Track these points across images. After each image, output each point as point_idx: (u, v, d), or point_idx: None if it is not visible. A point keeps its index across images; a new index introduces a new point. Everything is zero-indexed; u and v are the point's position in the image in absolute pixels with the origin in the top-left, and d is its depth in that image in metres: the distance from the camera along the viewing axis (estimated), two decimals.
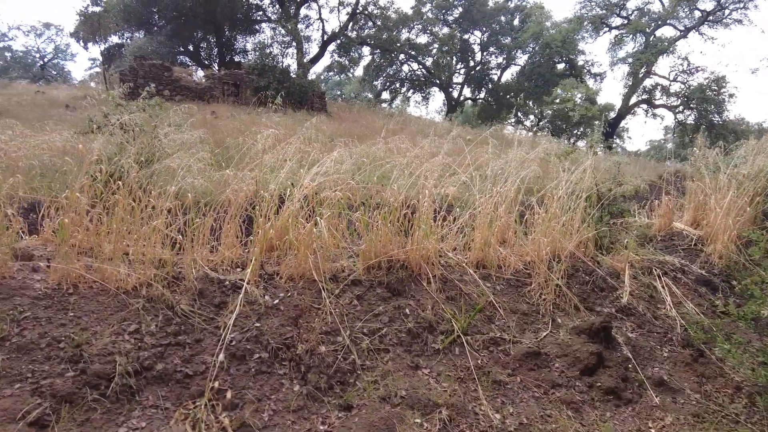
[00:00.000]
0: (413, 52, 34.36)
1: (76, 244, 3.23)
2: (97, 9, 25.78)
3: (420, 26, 34.16)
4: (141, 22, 26.62)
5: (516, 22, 35.83)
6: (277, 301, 3.32)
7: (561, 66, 33.60)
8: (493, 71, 37.26)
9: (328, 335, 3.17)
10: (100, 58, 28.96)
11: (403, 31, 33.15)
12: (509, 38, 35.32)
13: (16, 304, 2.87)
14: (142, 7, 25.57)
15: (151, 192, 3.38)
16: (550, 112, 34.15)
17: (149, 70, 18.11)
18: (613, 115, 31.40)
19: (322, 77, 38.62)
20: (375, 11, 30.89)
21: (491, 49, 36.48)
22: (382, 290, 3.63)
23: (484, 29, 35.70)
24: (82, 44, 28.69)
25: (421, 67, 35.89)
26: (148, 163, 3.94)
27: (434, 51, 34.85)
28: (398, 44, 32.83)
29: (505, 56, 36.41)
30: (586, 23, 31.79)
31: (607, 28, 32.04)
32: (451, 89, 37.23)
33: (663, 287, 4.69)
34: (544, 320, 3.87)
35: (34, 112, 13.75)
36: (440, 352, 3.32)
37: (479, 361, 3.32)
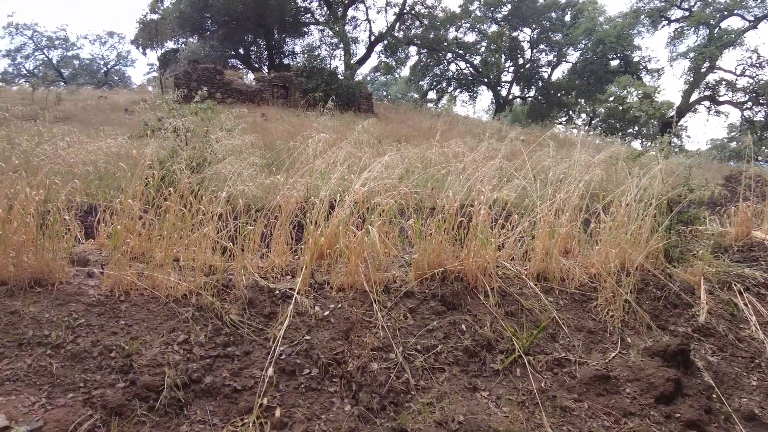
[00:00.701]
0: (461, 51, 33.85)
1: (129, 250, 3.22)
2: (155, 17, 26.98)
3: (468, 24, 33.63)
4: (195, 27, 27.64)
5: (567, 18, 34.63)
6: (327, 312, 3.18)
7: (615, 62, 32.17)
8: (544, 69, 36.21)
9: (380, 351, 3.00)
10: (157, 63, 30.34)
11: (451, 29, 32.73)
12: (560, 35, 34.17)
13: (71, 310, 2.87)
14: (197, 13, 26.53)
15: (202, 198, 3.33)
16: (603, 111, 32.79)
17: (202, 74, 18.69)
18: (671, 113, 29.76)
19: (369, 78, 38.75)
20: (422, 11, 30.66)
21: (541, 46, 35.46)
22: (435, 303, 3.42)
23: (534, 26, 34.71)
24: (141, 50, 30.22)
25: (468, 65, 35.30)
26: (199, 168, 3.92)
27: (482, 49, 34.18)
28: (445, 43, 32.44)
29: (555, 53, 35.31)
30: (642, 17, 30.23)
31: (666, 22, 30.35)
32: (499, 88, 36.45)
33: (746, 305, 4.22)
34: (612, 339, 3.55)
35: (97, 116, 14.47)
36: (499, 372, 3.08)
37: (542, 384, 3.06)
